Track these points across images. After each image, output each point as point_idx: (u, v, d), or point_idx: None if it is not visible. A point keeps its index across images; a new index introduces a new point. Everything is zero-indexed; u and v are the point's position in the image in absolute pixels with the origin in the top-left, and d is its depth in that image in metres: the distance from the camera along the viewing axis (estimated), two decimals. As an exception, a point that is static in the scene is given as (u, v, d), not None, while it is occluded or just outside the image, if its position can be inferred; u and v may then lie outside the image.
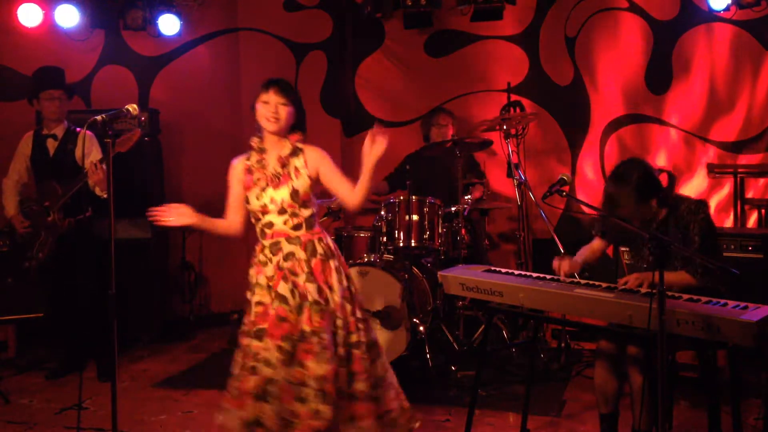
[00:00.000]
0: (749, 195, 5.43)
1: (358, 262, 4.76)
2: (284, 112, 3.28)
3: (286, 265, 3.22)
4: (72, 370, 4.84)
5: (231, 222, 3.39)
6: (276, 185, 3.27)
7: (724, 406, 3.17)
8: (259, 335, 3.16)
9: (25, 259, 4.75)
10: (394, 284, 4.59)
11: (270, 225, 3.27)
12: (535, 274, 3.37)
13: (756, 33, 5.41)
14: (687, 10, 5.56)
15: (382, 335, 4.57)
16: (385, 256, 4.94)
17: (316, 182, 3.30)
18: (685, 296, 2.94)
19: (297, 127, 3.38)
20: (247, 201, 3.30)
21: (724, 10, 5.27)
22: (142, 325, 5.68)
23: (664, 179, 3.30)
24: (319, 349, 3.12)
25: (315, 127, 6.14)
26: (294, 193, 3.25)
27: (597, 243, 3.59)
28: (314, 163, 3.29)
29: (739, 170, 5.37)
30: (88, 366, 4.88)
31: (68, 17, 5.76)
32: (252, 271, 3.29)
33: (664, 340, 2.57)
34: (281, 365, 3.11)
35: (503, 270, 3.50)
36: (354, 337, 3.24)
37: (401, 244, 4.90)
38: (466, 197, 5.16)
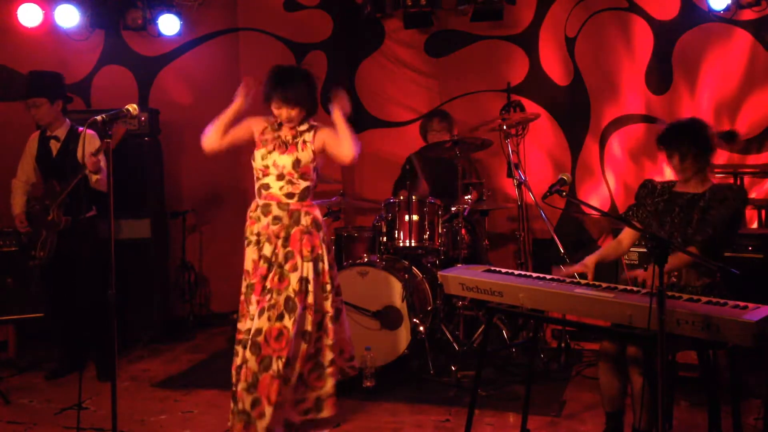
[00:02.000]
0: (750, 195, 5.43)
1: (358, 262, 4.76)
2: (295, 113, 3.61)
3: (273, 228, 3.56)
4: (72, 370, 4.84)
5: (224, 135, 3.64)
6: (282, 151, 3.60)
7: (724, 406, 3.17)
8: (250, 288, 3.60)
9: (29, 259, 4.79)
10: (394, 284, 4.59)
11: (267, 187, 3.61)
12: (535, 274, 3.36)
13: (756, 33, 5.41)
14: (687, 10, 5.55)
15: (382, 335, 4.58)
16: (385, 256, 4.94)
17: (318, 156, 3.66)
18: (685, 296, 2.94)
19: (309, 114, 3.72)
20: (254, 158, 3.63)
21: (724, 10, 5.27)
22: (142, 325, 5.67)
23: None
24: (267, 305, 3.47)
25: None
26: (296, 163, 3.58)
27: (625, 234, 3.52)
28: (321, 139, 3.65)
29: (739, 170, 5.36)
30: (88, 366, 4.88)
31: (68, 17, 5.76)
32: (246, 225, 3.65)
33: (664, 340, 2.57)
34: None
35: (503, 270, 3.50)
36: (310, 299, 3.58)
37: (401, 244, 4.90)
38: (466, 197, 5.16)
